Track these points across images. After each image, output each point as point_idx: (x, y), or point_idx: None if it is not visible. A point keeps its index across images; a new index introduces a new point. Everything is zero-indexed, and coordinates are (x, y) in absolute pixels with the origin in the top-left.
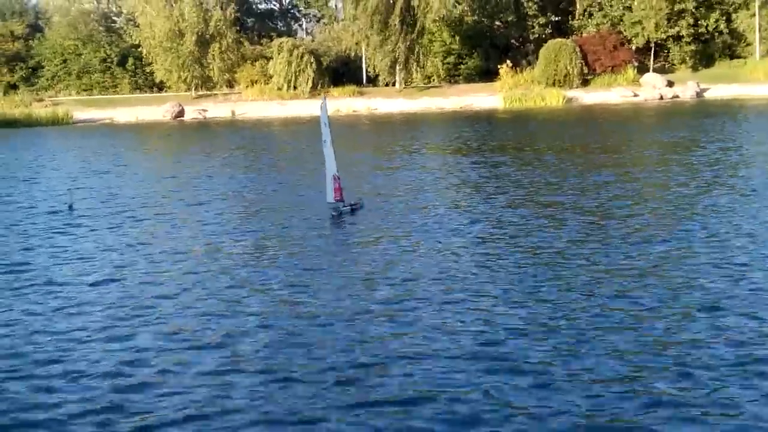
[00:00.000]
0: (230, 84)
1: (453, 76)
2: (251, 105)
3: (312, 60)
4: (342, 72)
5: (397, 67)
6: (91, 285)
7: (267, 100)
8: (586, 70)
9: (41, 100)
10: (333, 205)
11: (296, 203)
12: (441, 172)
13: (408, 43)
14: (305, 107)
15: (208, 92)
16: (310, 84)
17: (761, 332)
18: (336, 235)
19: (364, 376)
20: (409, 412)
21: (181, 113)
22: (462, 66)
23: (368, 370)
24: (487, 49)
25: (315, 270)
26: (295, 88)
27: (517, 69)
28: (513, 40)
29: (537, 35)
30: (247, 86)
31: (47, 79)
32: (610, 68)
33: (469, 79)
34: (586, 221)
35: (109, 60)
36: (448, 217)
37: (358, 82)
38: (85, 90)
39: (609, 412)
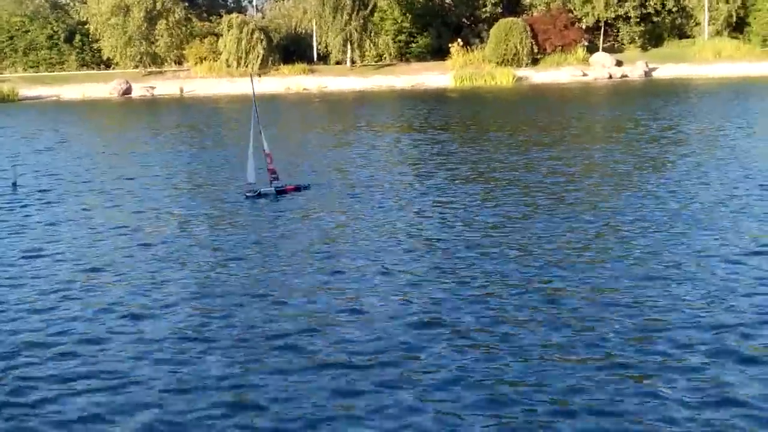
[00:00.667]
0: (179, 61)
1: (404, 55)
2: (200, 82)
3: (262, 37)
4: (293, 50)
5: (349, 45)
6: (26, 258)
7: (216, 77)
8: (536, 50)
9: None
10: (252, 186)
11: (233, 181)
12: (387, 150)
13: (360, 21)
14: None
15: (158, 69)
16: (259, 61)
17: (709, 298)
18: (270, 211)
19: (298, 342)
20: (346, 375)
21: (128, 90)
22: (413, 44)
23: (302, 336)
24: (438, 28)
25: (249, 244)
26: (245, 65)
27: (469, 48)
28: (464, 19)
29: (488, 14)
30: (195, 63)
31: None
32: (560, 47)
33: (421, 57)
34: (523, 195)
35: (56, 36)
36: (390, 193)
37: (309, 60)
38: (31, 67)
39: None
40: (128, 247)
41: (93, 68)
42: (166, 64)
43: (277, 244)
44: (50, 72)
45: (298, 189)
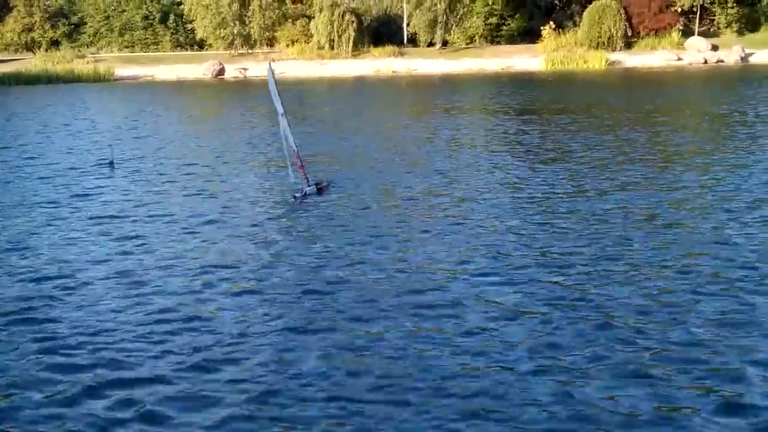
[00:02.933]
0: (270, 43)
1: (495, 37)
2: (291, 64)
3: (353, 19)
4: (382, 32)
5: (437, 26)
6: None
7: (307, 59)
8: (630, 33)
9: (83, 56)
10: (298, 187)
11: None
12: (468, 131)
13: (448, 2)
14: (345, 67)
15: (249, 51)
16: (351, 44)
17: None
18: (332, 200)
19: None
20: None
21: (221, 72)
22: (504, 27)
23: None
24: (530, 10)
25: (317, 231)
26: (337, 47)
27: (561, 30)
28: (557, 1)
29: None
30: (287, 45)
31: (89, 36)
32: (654, 31)
33: (512, 40)
34: (602, 177)
35: (151, 17)
36: (470, 175)
37: (398, 42)
38: (126, 47)
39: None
40: (209, 224)
41: (186, 49)
42: (257, 45)
43: (353, 229)
44: (145, 52)
45: (328, 185)
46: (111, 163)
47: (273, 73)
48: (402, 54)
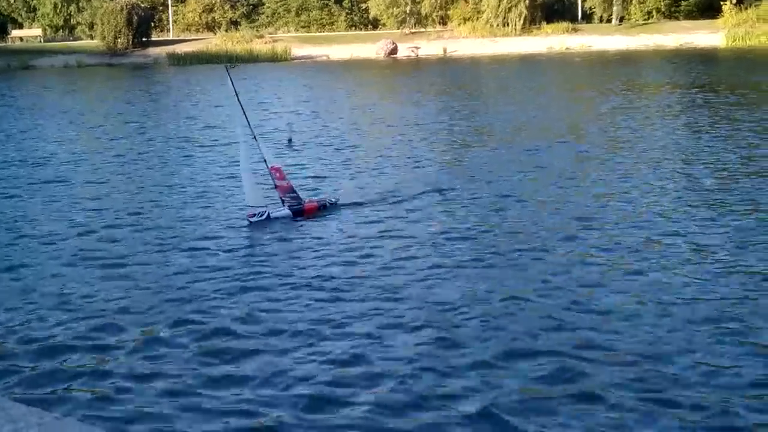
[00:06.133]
0: (443, 21)
1: (673, 13)
2: (463, 42)
3: None
4: (556, 8)
5: (614, 1)
6: None
7: (479, 37)
8: None
9: (261, 36)
10: (256, 209)
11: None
12: (648, 112)
13: None
14: (517, 44)
15: (422, 29)
16: (521, 20)
17: None
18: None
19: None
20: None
21: (394, 51)
22: (683, 2)
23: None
24: None
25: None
26: (506, 24)
27: (742, 6)
28: None
29: None
30: (459, 23)
31: (267, 17)
32: None
33: (690, 15)
34: None
35: None
36: (654, 165)
37: (572, 18)
38: (302, 27)
39: None
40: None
41: (360, 29)
42: (429, 24)
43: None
44: (320, 32)
45: (322, 206)
46: (289, 141)
47: (230, 76)
48: (576, 30)
